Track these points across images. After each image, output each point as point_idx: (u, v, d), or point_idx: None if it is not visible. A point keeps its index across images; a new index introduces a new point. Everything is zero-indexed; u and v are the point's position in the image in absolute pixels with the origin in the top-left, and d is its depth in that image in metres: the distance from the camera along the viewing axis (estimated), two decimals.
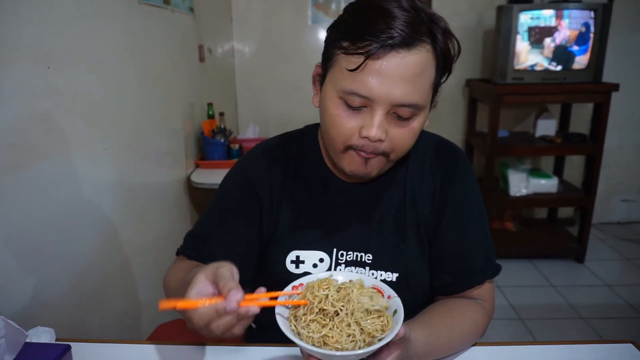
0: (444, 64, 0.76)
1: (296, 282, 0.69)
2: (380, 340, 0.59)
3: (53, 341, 0.81)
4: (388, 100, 0.71)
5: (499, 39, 2.65)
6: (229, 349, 0.84)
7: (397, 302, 0.64)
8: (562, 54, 2.64)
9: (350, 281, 0.68)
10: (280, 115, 3.19)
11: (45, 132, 1.12)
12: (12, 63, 0.99)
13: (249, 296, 0.60)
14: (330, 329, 0.60)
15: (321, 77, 0.80)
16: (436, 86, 0.78)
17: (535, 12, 2.60)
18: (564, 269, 2.88)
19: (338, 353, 0.57)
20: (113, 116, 1.44)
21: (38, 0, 1.07)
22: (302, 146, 0.93)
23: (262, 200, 0.89)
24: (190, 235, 0.92)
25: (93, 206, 1.34)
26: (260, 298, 0.61)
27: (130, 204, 1.57)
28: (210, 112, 2.36)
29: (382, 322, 0.62)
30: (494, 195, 2.87)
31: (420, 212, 0.87)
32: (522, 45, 2.63)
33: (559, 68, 2.65)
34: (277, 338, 0.67)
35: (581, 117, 3.16)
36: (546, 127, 2.94)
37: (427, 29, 0.72)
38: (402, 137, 0.76)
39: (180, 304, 0.57)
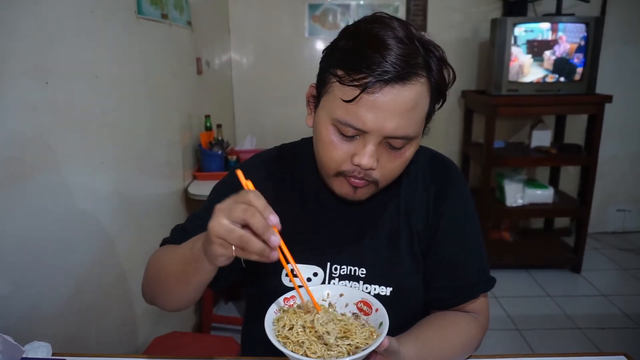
0: (437, 93, 0.77)
1: (288, 295, 0.71)
2: (364, 350, 0.60)
3: (49, 356, 0.81)
4: (381, 133, 0.72)
5: (494, 51, 2.69)
6: None
7: (383, 315, 0.66)
8: (563, 66, 2.67)
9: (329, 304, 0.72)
10: (278, 126, 3.21)
11: (44, 146, 1.13)
12: (10, 78, 1.01)
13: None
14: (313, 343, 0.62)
15: (315, 99, 0.81)
16: (429, 115, 0.78)
17: (530, 25, 2.64)
18: (560, 279, 2.89)
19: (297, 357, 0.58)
20: (111, 129, 1.45)
21: (36, 16, 1.09)
22: (297, 160, 0.94)
23: None
24: (177, 228, 0.94)
25: (91, 219, 1.35)
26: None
27: (128, 216, 1.58)
28: (208, 124, 2.37)
29: (365, 335, 0.63)
30: (490, 205, 2.89)
31: (413, 226, 0.88)
32: (524, 58, 2.66)
33: (562, 79, 2.68)
34: (273, 352, 0.68)
35: (576, 128, 3.20)
36: (541, 138, 2.97)
37: (422, 61, 0.72)
38: (393, 166, 0.77)
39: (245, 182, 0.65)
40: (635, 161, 3.38)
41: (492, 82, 2.71)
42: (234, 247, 0.59)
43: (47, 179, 1.13)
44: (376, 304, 0.69)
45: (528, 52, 2.66)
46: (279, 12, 3.06)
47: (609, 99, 2.66)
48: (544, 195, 2.91)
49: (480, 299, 0.88)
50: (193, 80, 2.29)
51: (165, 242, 0.92)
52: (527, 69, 2.68)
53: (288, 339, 0.63)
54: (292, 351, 0.60)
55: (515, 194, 2.89)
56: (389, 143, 0.74)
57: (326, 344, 0.62)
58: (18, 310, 1.03)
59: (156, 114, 1.81)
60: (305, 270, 0.86)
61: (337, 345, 0.62)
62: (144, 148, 1.71)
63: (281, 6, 3.05)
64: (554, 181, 3.26)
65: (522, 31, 2.64)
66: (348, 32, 0.76)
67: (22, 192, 1.04)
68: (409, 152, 0.77)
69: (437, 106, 0.79)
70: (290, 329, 0.65)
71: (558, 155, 2.83)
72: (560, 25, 2.63)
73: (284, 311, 0.69)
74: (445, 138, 3.29)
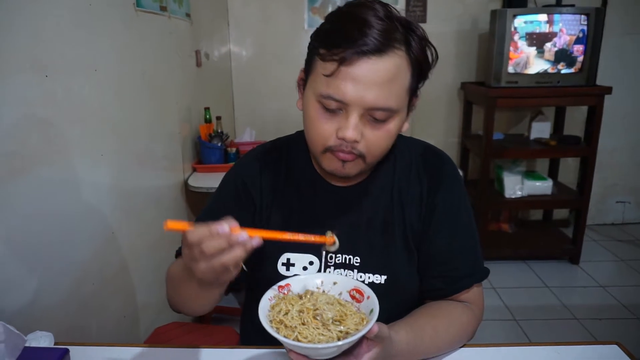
0: (419, 70, 0.79)
1: (282, 282, 0.73)
2: (353, 335, 0.62)
3: (52, 345, 0.83)
4: (361, 104, 0.74)
5: (494, 43, 2.68)
6: (224, 352, 0.86)
7: (374, 302, 0.68)
8: (563, 57, 2.67)
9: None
10: (277, 118, 3.21)
11: (44, 139, 1.14)
12: (10, 72, 1.01)
13: (250, 231, 0.63)
14: (305, 328, 0.64)
15: (304, 81, 0.84)
16: (413, 91, 0.80)
17: (530, 17, 2.63)
18: (558, 270, 2.91)
19: (311, 345, 0.60)
20: (111, 122, 1.46)
21: (34, 10, 1.09)
22: (292, 151, 0.96)
23: (255, 203, 0.92)
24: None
25: (91, 211, 1.36)
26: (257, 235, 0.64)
27: (128, 209, 1.59)
28: (207, 116, 2.38)
29: (356, 320, 0.65)
30: (489, 197, 2.90)
31: (407, 218, 0.89)
32: (524, 49, 2.66)
33: (563, 70, 2.68)
34: (272, 341, 0.69)
35: (575, 120, 3.20)
36: (541, 129, 2.97)
37: (402, 36, 0.75)
38: (378, 138, 0.78)
39: (180, 225, 0.63)
40: (635, 152, 3.37)
41: (492, 73, 2.71)
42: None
43: (47, 173, 1.14)
44: (368, 291, 0.71)
45: (528, 44, 2.65)
46: (278, 4, 3.05)
47: (608, 90, 2.66)
48: (542, 186, 2.92)
49: (474, 289, 0.89)
50: (192, 73, 2.29)
51: (177, 254, 0.94)
52: (527, 61, 2.68)
53: (282, 323, 0.65)
54: (284, 336, 0.61)
55: (514, 186, 2.90)
56: (371, 116, 0.76)
57: (320, 327, 0.64)
58: (20, 301, 1.05)
59: (156, 106, 1.82)
60: (301, 259, 0.88)
61: (329, 330, 0.63)
62: (143, 141, 1.72)
63: None
64: (553, 173, 3.26)
65: (522, 22, 2.63)
66: (331, 15, 0.80)
67: (22, 186, 1.05)
68: (392, 125, 0.78)
69: (420, 84, 0.81)
70: (286, 314, 0.66)
71: (557, 146, 2.83)
72: (561, 17, 2.62)
73: (280, 298, 0.71)
74: (444, 130, 3.29)
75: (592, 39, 2.63)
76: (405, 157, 0.93)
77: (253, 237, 0.62)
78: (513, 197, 2.89)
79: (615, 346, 0.85)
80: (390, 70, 0.74)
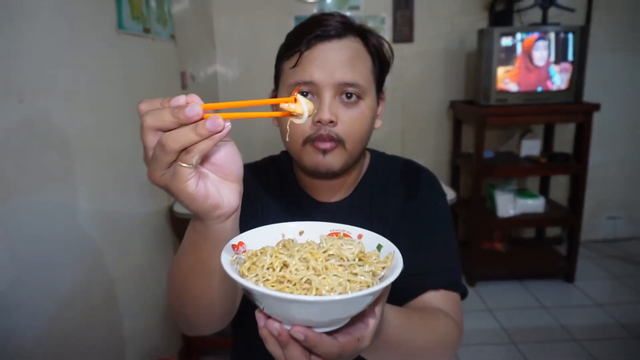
0: (378, 57, 0.83)
1: (234, 241, 0.54)
2: (387, 278, 0.46)
3: None
4: (330, 82, 0.76)
5: (482, 62, 2.68)
6: None
7: (374, 237, 0.54)
8: (551, 75, 2.67)
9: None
10: (265, 140, 3.16)
11: (19, 167, 1.07)
12: None
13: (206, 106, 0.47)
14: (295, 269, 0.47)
15: (275, 93, 0.88)
16: (377, 79, 0.84)
17: (516, 35, 2.64)
18: (554, 289, 2.86)
19: (311, 298, 0.41)
20: (90, 147, 1.39)
21: (10, 31, 1.04)
22: (278, 168, 0.95)
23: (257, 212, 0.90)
24: None
25: (72, 239, 1.31)
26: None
27: (111, 236, 1.52)
28: None
29: (374, 259, 0.51)
30: (482, 216, 2.86)
31: (385, 227, 0.87)
32: (510, 67, 2.65)
33: (550, 89, 2.68)
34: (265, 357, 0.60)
35: (564, 137, 3.20)
36: (531, 147, 2.96)
37: (357, 32, 0.81)
38: (353, 120, 0.79)
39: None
40: (624, 167, 3.38)
41: (481, 92, 2.70)
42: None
43: (24, 201, 1.09)
44: (356, 230, 0.56)
45: (514, 62, 2.66)
46: (264, 25, 3.03)
47: (596, 107, 2.67)
48: (535, 205, 2.90)
49: (450, 297, 0.81)
50: (178, 94, 2.24)
51: None
52: (514, 79, 2.67)
53: (284, 282, 0.46)
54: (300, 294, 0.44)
55: (507, 205, 2.86)
56: (343, 94, 0.78)
57: (344, 273, 0.47)
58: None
59: (139, 130, 1.75)
60: None
61: (355, 275, 0.47)
62: (125, 165, 1.65)
63: (267, 19, 3.02)
64: (544, 190, 3.24)
65: (509, 41, 2.63)
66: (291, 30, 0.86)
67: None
68: (365, 107, 0.80)
69: (383, 74, 0.85)
70: (283, 268, 0.48)
71: (548, 164, 2.82)
72: (547, 35, 2.63)
73: (248, 257, 0.51)
74: (434, 149, 3.27)
75: (578, 57, 2.64)
76: (385, 171, 0.93)
77: (212, 117, 0.46)
78: (506, 216, 2.86)
79: None
80: (350, 49, 0.79)
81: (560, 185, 3.35)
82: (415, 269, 0.79)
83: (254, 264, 0.49)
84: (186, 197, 0.52)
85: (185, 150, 0.47)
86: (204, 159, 0.53)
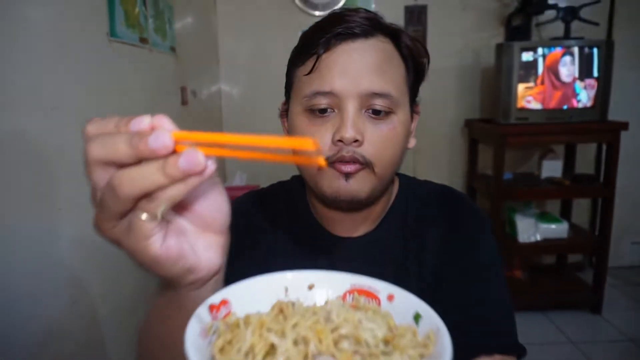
0: (413, 61, 0.69)
1: (216, 298, 0.38)
2: None
3: None
4: (355, 92, 0.62)
5: (500, 78, 2.52)
6: None
7: (410, 302, 0.39)
8: (575, 92, 2.51)
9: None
10: (270, 163, 3.01)
11: None
12: None
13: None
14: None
15: (286, 109, 0.73)
16: (411, 89, 0.70)
17: (538, 50, 2.48)
18: (580, 321, 2.64)
19: None
20: (71, 167, 1.24)
21: None
22: (288, 201, 0.81)
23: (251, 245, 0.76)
24: None
25: (54, 267, 1.16)
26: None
27: (97, 263, 1.37)
28: None
29: (409, 339, 0.36)
30: (501, 241, 2.67)
31: (423, 265, 0.71)
32: (529, 83, 2.50)
33: (574, 106, 2.51)
34: None
35: (585, 157, 3.02)
36: (552, 168, 2.78)
37: (387, 31, 0.67)
38: (383, 139, 0.64)
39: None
40: None
41: (500, 110, 2.54)
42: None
43: None
44: (386, 287, 0.42)
45: (534, 78, 2.50)
46: (271, 41, 2.90)
47: (624, 126, 2.49)
48: (558, 229, 2.70)
49: None
50: (177, 111, 2.10)
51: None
52: (538, 97, 2.51)
53: None
54: None
55: (529, 230, 2.67)
56: (370, 108, 0.64)
57: None
58: None
59: None
60: None
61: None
62: None
63: (274, 35, 2.89)
64: (565, 213, 3.05)
65: (530, 56, 2.48)
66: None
67: None
68: (397, 123, 0.66)
69: (417, 84, 0.71)
70: (268, 352, 0.33)
71: (572, 186, 2.64)
72: (570, 49, 2.48)
73: (228, 326, 0.36)
74: (449, 170, 3.10)
75: (603, 73, 2.49)
76: (419, 199, 0.76)
77: (188, 151, 0.31)
78: (528, 241, 2.66)
79: None
80: (380, 51, 0.64)
81: (581, 208, 3.16)
82: (465, 328, 0.63)
83: (229, 343, 0.33)
84: (147, 260, 0.35)
85: (147, 196, 0.31)
86: (177, 204, 0.35)
